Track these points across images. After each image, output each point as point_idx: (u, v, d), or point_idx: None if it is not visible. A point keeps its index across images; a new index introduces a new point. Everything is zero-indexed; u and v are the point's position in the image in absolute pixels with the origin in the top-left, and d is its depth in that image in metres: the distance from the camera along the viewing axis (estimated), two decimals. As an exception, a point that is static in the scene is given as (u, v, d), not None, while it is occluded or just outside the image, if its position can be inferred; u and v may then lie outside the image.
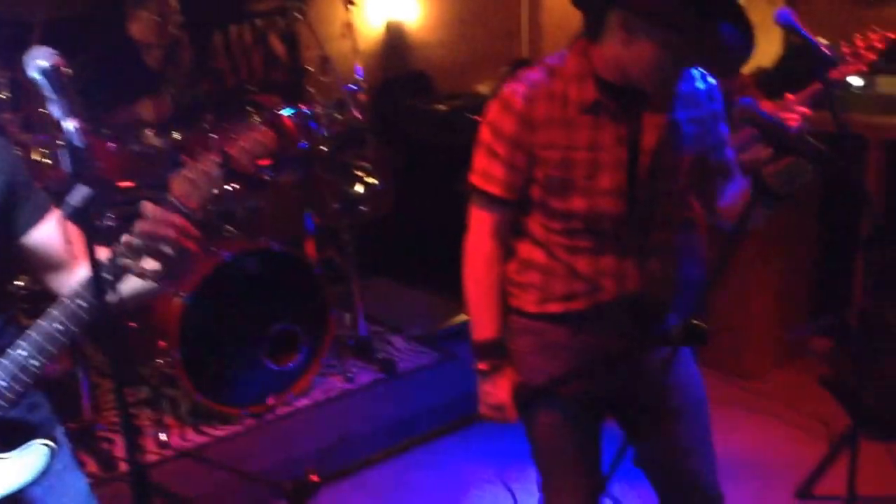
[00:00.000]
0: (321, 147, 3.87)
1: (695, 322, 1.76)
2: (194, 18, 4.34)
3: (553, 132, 1.89)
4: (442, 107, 5.00)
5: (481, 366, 2.05)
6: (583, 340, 2.03)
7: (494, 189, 1.96)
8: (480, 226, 2.02)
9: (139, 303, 1.69)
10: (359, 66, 4.21)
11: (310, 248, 4.09)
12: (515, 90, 1.90)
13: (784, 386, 4.02)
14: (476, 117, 2.31)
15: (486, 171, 1.96)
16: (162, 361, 3.51)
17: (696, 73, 1.95)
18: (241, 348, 3.60)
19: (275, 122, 3.54)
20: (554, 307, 2.02)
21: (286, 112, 3.59)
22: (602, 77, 1.88)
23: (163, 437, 3.47)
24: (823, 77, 2.13)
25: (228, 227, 3.83)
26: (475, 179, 1.99)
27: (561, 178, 1.91)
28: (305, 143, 3.73)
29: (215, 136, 3.55)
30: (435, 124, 4.95)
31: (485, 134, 1.96)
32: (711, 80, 1.97)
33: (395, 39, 5.29)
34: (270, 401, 3.67)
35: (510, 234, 2.03)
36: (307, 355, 3.74)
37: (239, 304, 3.58)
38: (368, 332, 4.11)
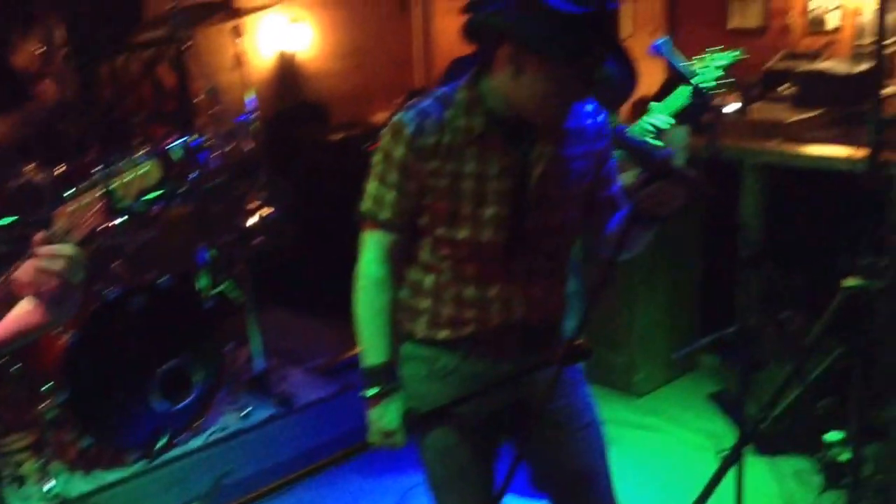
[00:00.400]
0: (212, 178, 3.81)
1: (577, 340, 1.80)
2: (81, 48, 4.25)
3: (442, 161, 1.93)
4: (336, 136, 5.00)
5: (370, 392, 2.05)
6: (472, 366, 2.06)
7: (385, 214, 1.99)
8: (371, 250, 2.03)
9: (20, 342, 1.63)
10: (250, 97, 4.17)
11: (203, 281, 4.01)
12: (407, 119, 1.94)
13: (674, 403, 4.13)
14: (371, 147, 2.34)
15: (377, 196, 1.99)
16: (47, 404, 3.37)
17: (587, 109, 2.01)
18: (131, 388, 3.48)
19: (162, 154, 3.47)
20: (443, 333, 2.05)
21: (175, 143, 3.52)
22: (492, 108, 1.92)
23: (49, 485, 3.32)
24: (695, 103, 2.22)
25: (115, 262, 3.72)
26: (366, 205, 2.02)
27: (448, 206, 1.95)
28: (195, 174, 3.67)
29: (99, 170, 3.48)
30: (329, 154, 4.94)
31: (377, 160, 2.00)
32: (601, 117, 2.03)
33: (287, 70, 5.27)
34: (163, 442, 3.56)
35: (400, 259, 2.05)
36: (201, 393, 3.65)
37: (127, 342, 3.47)
38: (265, 366, 4.04)
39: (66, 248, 1.50)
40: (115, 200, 1.56)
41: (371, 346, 2.05)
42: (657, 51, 2.23)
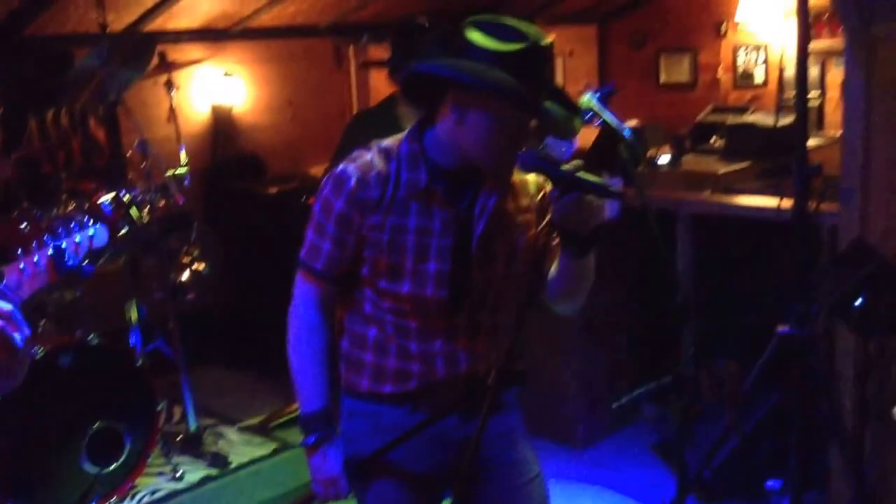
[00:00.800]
0: (143, 233, 3.73)
1: (510, 366, 1.79)
2: (8, 103, 4.16)
3: (383, 215, 1.91)
4: (273, 189, 4.95)
5: (309, 439, 2.01)
6: (416, 420, 2.01)
7: (319, 264, 1.97)
8: (304, 297, 2.01)
9: None
10: (183, 150, 4.12)
11: (134, 339, 3.91)
12: (348, 170, 1.92)
13: (617, 454, 4.11)
14: (310, 200, 2.32)
15: (314, 245, 1.97)
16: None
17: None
18: (58, 450, 3.36)
19: (92, 209, 3.41)
20: (386, 387, 2.01)
21: (105, 198, 3.45)
22: (434, 161, 1.91)
23: (-34, 555, 3.16)
24: (620, 153, 2.25)
25: (42, 320, 3.61)
26: (303, 252, 2.00)
27: (390, 260, 1.93)
28: (127, 228, 3.59)
29: (33, 226, 3.40)
30: (266, 207, 4.89)
31: (316, 209, 1.98)
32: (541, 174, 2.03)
33: (223, 123, 5.23)
34: (91, 506, 3.43)
35: (335, 308, 2.04)
36: (131, 454, 3.53)
37: (53, 402, 3.35)
38: (199, 425, 3.93)
39: (6, 305, 1.49)
40: (63, 260, 1.60)
41: (308, 393, 2.01)
42: (589, 105, 2.26)
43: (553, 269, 1.99)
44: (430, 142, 1.92)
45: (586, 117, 2.55)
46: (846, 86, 2.90)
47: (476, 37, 1.80)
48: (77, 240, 1.64)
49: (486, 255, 1.96)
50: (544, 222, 2.02)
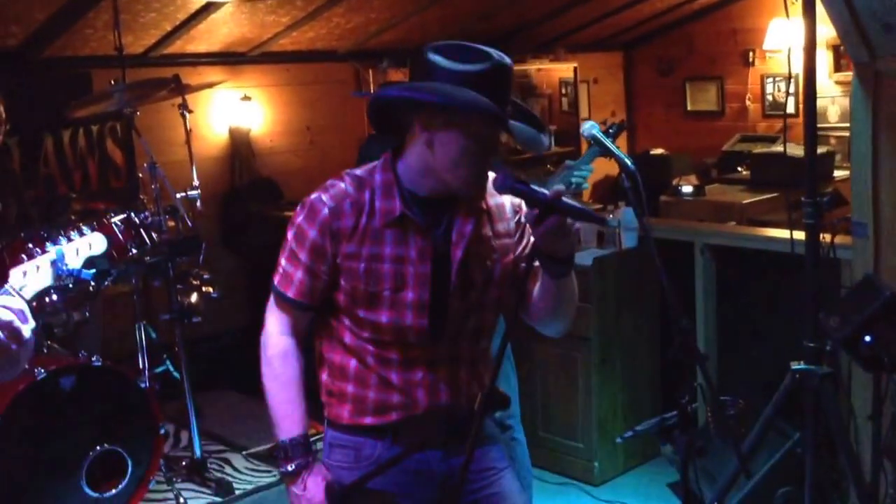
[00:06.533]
0: (152, 255, 3.70)
1: (493, 390, 1.77)
2: (23, 123, 4.20)
3: (358, 244, 1.90)
4: (289, 213, 4.91)
5: (288, 467, 1.97)
6: (396, 453, 1.98)
7: (291, 292, 1.97)
8: (276, 324, 2.00)
9: None
10: (195, 173, 4.11)
11: (140, 362, 3.87)
12: (322, 199, 1.92)
13: (633, 491, 4.01)
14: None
15: (286, 272, 1.97)
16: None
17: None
18: (58, 474, 3.31)
19: (101, 230, 3.40)
20: (367, 419, 1.98)
21: (115, 218, 3.44)
22: (408, 189, 1.90)
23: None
24: (629, 187, 2.18)
25: (48, 342, 3.59)
26: (276, 278, 2.00)
27: (366, 289, 1.91)
28: (135, 250, 3.57)
29: (38, 245, 3.39)
30: (281, 230, 4.85)
31: (290, 236, 1.97)
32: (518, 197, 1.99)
33: (240, 146, 5.23)
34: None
35: (306, 334, 2.02)
36: (133, 479, 3.47)
37: (55, 425, 3.31)
38: (203, 452, 3.88)
39: (18, 301, 1.64)
40: (63, 263, 1.71)
41: (284, 420, 1.98)
42: (589, 134, 2.20)
43: (535, 289, 1.95)
44: (403, 170, 1.92)
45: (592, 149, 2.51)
46: (853, 119, 2.85)
47: (439, 60, 1.81)
48: (76, 245, 1.74)
49: (466, 283, 1.94)
50: (524, 244, 1.99)
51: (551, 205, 1.70)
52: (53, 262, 1.70)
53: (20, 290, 1.67)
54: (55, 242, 1.73)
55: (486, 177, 1.87)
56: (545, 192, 1.72)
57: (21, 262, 1.70)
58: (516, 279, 1.98)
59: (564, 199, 1.71)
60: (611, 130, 2.34)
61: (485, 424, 2.05)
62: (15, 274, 1.68)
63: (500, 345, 1.79)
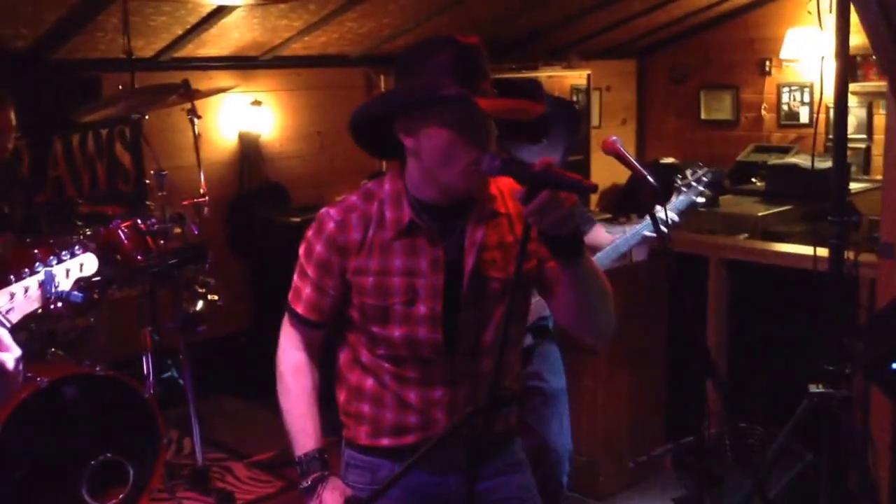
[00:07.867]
0: (158, 262, 3.66)
1: (498, 389, 1.71)
2: (33, 127, 4.17)
3: (366, 258, 1.86)
4: (296, 219, 4.89)
5: (305, 483, 1.93)
6: (416, 477, 1.92)
7: (300, 308, 1.95)
8: (288, 339, 2.00)
9: None
10: (202, 179, 4.07)
11: (144, 369, 3.82)
12: (329, 213, 1.89)
13: (638, 506, 3.95)
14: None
15: (297, 288, 1.96)
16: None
17: (511, 191, 1.92)
18: (58, 482, 3.27)
19: (107, 236, 3.37)
20: (385, 441, 1.94)
21: (121, 225, 3.40)
22: (416, 197, 1.86)
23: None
24: (647, 202, 2.11)
25: (52, 349, 3.55)
26: (289, 294, 1.98)
27: (376, 304, 1.86)
28: (141, 257, 3.53)
29: (37, 251, 3.35)
30: (289, 236, 4.81)
31: (301, 251, 1.95)
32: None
33: (250, 151, 5.19)
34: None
35: (320, 350, 2.01)
36: (134, 488, 3.43)
37: (57, 433, 3.28)
38: (205, 460, 3.83)
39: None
40: (52, 285, 1.67)
41: (298, 434, 1.96)
42: (611, 148, 2.13)
43: (559, 290, 1.86)
44: (409, 180, 1.88)
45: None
46: (887, 132, 2.76)
47: (405, 61, 1.79)
48: (67, 266, 1.72)
49: (479, 292, 1.87)
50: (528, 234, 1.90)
51: (538, 177, 1.60)
52: (42, 284, 1.67)
53: (6, 313, 1.61)
54: (46, 264, 1.69)
55: (483, 171, 1.77)
56: (531, 165, 1.62)
57: (8, 276, 1.64)
58: (541, 284, 1.90)
59: (554, 170, 1.61)
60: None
61: (513, 451, 2.01)
62: (1, 297, 1.62)
63: (501, 338, 1.72)
